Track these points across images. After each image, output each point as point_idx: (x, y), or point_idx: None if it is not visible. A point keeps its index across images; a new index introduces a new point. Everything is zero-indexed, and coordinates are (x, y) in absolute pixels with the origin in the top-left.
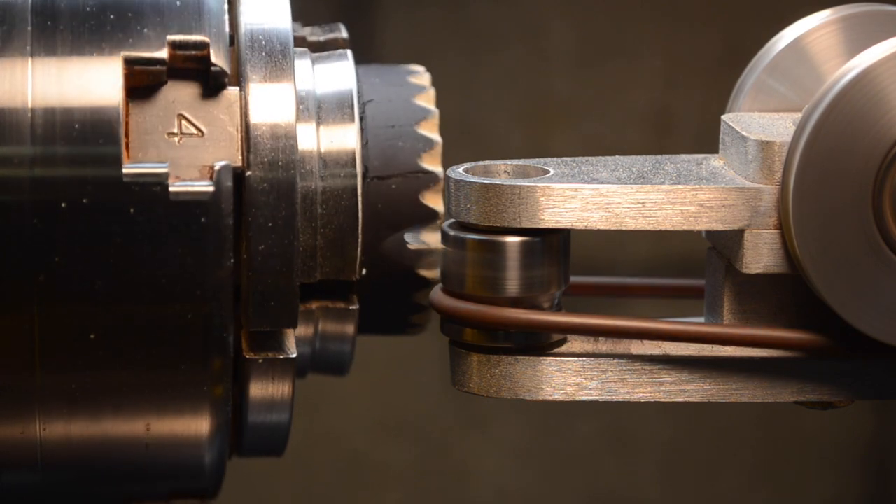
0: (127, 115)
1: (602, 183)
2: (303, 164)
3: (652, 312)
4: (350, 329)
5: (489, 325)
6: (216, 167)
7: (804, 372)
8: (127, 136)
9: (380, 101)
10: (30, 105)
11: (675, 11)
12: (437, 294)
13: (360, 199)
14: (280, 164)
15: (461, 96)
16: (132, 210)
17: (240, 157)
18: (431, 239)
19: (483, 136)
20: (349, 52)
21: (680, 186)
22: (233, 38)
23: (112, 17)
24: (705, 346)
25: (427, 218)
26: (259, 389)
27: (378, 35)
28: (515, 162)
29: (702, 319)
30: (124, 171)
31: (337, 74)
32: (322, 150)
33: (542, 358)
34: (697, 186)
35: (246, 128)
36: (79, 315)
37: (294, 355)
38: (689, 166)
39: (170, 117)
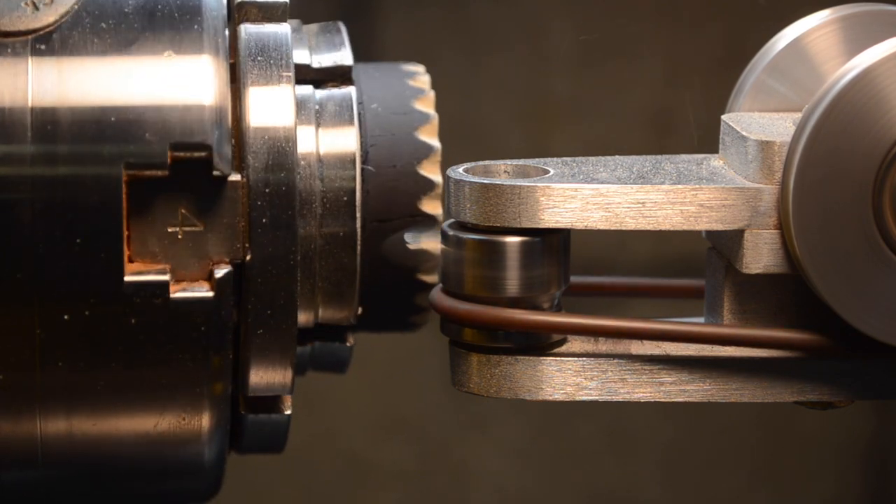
0: (127, 216)
1: (602, 183)
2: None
3: (652, 312)
4: (350, 323)
5: (489, 325)
6: (217, 274)
7: (804, 372)
8: (128, 229)
9: (378, 106)
10: (30, 201)
11: (675, 11)
12: (436, 294)
13: (358, 206)
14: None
15: (461, 96)
16: (133, 321)
17: (240, 250)
18: (431, 245)
19: (483, 136)
20: (348, 48)
21: (680, 186)
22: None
23: (113, 119)
24: (705, 346)
25: (426, 224)
26: (258, 385)
27: (378, 35)
28: (515, 162)
29: (702, 319)
30: (125, 279)
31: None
32: (321, 152)
33: (542, 358)
34: (697, 186)
35: (248, 218)
36: (78, 314)
37: (289, 413)
38: (689, 166)
39: (171, 212)
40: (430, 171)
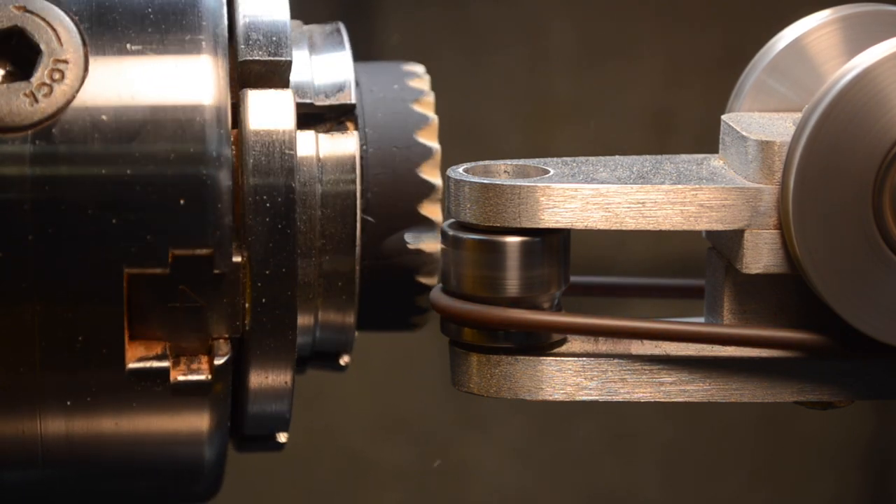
0: (127, 314)
1: (602, 183)
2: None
3: (652, 312)
4: (350, 322)
5: (489, 325)
6: (216, 362)
7: (804, 372)
8: (127, 308)
9: (378, 108)
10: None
11: (675, 11)
12: (436, 294)
13: (358, 204)
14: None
15: (461, 96)
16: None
17: (240, 327)
18: (431, 246)
19: (483, 136)
20: (348, 47)
21: (680, 186)
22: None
23: (114, 222)
24: (705, 346)
25: (426, 226)
26: (258, 383)
27: (378, 35)
28: (515, 162)
29: (702, 319)
30: (127, 367)
31: (335, 69)
32: (320, 149)
33: (542, 358)
34: (697, 186)
35: (252, 298)
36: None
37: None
38: (689, 166)
39: (171, 292)
40: (430, 173)
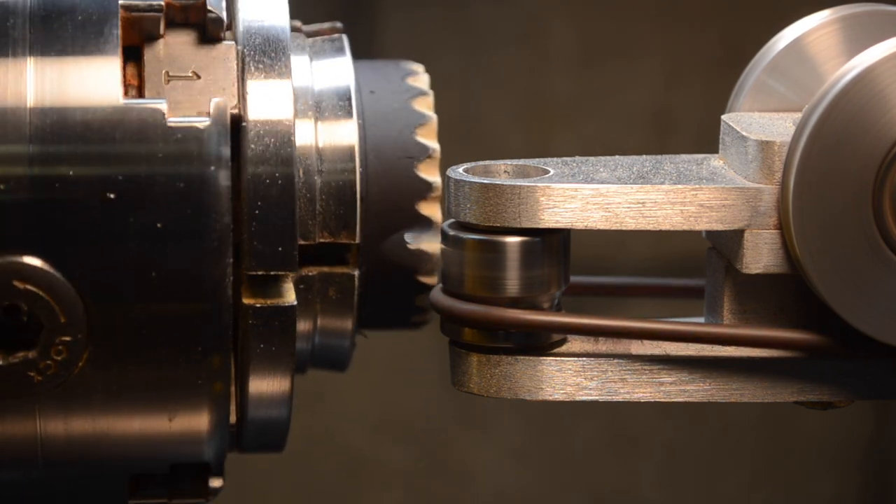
0: (123, 62)
1: (602, 183)
2: (301, 160)
3: (652, 312)
4: (349, 324)
5: (489, 325)
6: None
7: (804, 372)
8: (125, 80)
9: (377, 106)
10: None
11: (675, 11)
12: (436, 294)
13: (358, 193)
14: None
15: (461, 96)
16: (132, 145)
17: (236, 103)
18: (431, 246)
19: (483, 136)
20: (347, 49)
21: (680, 186)
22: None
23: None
24: (705, 346)
25: (425, 225)
26: (258, 384)
27: (378, 35)
28: (515, 162)
29: (702, 319)
30: (122, 103)
31: (335, 70)
32: (320, 145)
33: (542, 358)
34: (697, 186)
35: (242, 78)
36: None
37: (294, 303)
38: (689, 166)
39: (167, 63)
40: (429, 172)
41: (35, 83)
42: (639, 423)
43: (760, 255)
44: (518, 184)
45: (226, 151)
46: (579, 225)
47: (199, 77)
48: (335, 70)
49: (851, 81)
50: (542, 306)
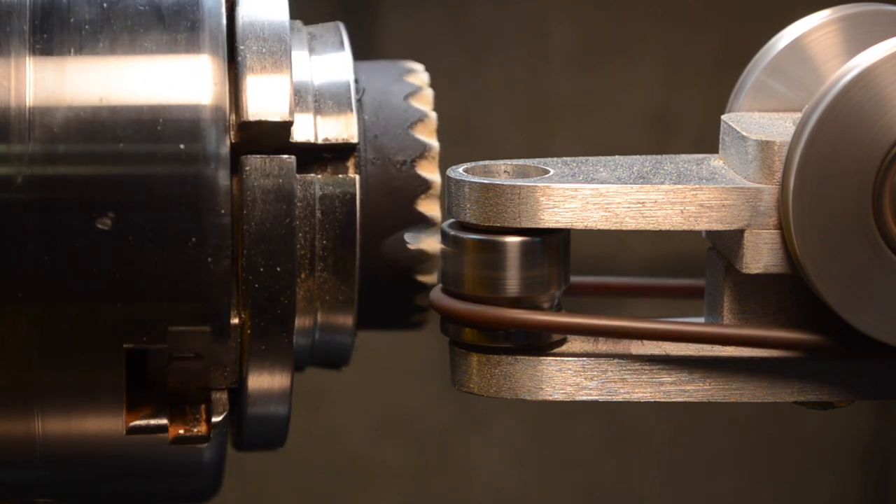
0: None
1: (602, 183)
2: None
3: (652, 312)
4: (349, 321)
5: (489, 325)
6: (214, 420)
7: (804, 372)
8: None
9: (376, 103)
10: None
11: (675, 11)
12: (436, 294)
13: (357, 207)
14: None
15: (461, 96)
16: None
17: (236, 380)
18: (431, 245)
19: (483, 136)
20: (347, 44)
21: (680, 186)
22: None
23: (119, 305)
24: (705, 346)
25: (423, 225)
26: (257, 382)
27: (378, 35)
28: (515, 162)
29: (702, 319)
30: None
31: (335, 65)
32: (319, 140)
33: (542, 358)
34: (697, 186)
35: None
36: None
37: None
38: (689, 166)
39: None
40: (428, 170)
41: (35, 83)
42: (639, 423)
43: (760, 255)
44: (518, 184)
45: (224, 150)
46: (579, 225)
47: None
48: (335, 65)
49: (851, 81)
50: (542, 306)
